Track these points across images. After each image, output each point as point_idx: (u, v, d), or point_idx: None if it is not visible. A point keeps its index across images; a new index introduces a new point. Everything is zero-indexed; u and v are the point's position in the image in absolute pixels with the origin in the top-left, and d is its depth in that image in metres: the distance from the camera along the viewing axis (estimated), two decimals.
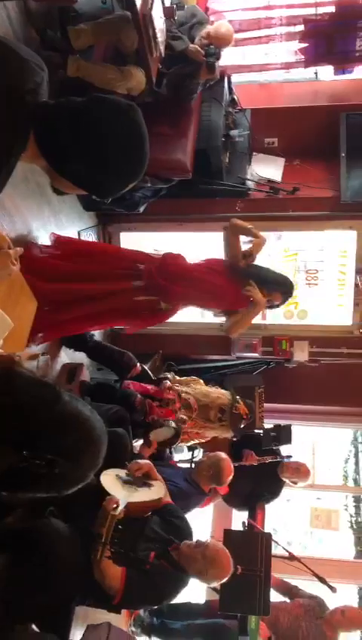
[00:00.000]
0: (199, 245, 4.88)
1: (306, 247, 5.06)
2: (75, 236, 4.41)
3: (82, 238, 4.49)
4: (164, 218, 4.96)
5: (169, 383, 3.87)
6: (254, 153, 5.03)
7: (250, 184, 4.82)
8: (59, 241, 3.48)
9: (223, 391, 3.82)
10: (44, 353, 1.76)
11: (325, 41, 4.68)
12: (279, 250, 5.04)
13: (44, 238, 3.77)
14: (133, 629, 4.26)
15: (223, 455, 3.73)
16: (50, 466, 0.93)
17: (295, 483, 4.47)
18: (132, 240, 5.14)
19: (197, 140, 4.37)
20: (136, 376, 3.94)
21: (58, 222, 4.03)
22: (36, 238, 3.64)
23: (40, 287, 2.69)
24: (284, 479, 4.47)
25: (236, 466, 3.87)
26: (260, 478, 4.48)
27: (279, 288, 3.41)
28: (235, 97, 4.88)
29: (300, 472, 4.39)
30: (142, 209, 4.49)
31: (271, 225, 4.96)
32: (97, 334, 4.58)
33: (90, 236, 4.69)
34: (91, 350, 4.02)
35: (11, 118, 1.10)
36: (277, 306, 3.54)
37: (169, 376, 3.99)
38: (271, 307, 3.55)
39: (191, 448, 4.65)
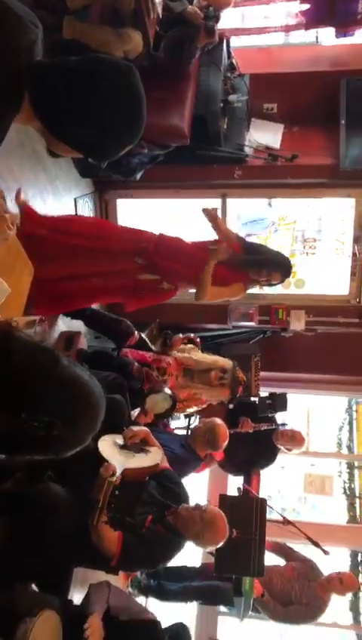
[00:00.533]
0: (196, 213, 4.85)
1: (304, 216, 5.03)
2: (72, 204, 4.37)
3: (79, 205, 4.45)
4: (161, 185, 4.91)
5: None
6: (253, 119, 4.95)
7: (248, 151, 4.75)
8: (60, 220, 3.42)
9: (222, 357, 3.86)
10: (41, 319, 1.76)
11: (326, 4, 4.57)
12: (276, 218, 5.01)
13: (40, 206, 3.73)
14: (131, 590, 4.37)
15: (219, 421, 3.77)
16: (49, 428, 0.94)
17: (289, 450, 4.53)
18: (129, 207, 5.11)
19: (194, 106, 4.29)
20: (135, 345, 3.95)
21: (54, 189, 3.99)
22: (33, 205, 3.61)
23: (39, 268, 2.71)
24: (279, 446, 4.53)
25: (232, 433, 3.92)
26: (255, 444, 4.54)
27: (279, 269, 3.39)
28: (234, 62, 4.78)
29: (295, 439, 4.45)
30: (138, 176, 4.44)
31: (269, 192, 4.93)
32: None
33: (86, 203, 4.65)
34: (89, 318, 4.02)
35: (4, 77, 1.07)
36: (276, 284, 3.52)
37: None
38: (269, 285, 3.53)
39: (187, 415, 4.69)
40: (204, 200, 4.94)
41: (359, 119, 4.60)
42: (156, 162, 4.41)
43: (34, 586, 2.63)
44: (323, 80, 4.82)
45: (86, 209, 4.67)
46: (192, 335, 4.31)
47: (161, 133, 4.14)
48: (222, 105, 4.47)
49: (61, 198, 4.14)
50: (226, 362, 3.71)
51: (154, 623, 2.83)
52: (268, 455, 4.63)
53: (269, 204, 4.99)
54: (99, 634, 2.46)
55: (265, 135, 4.85)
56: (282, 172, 4.70)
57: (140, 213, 5.07)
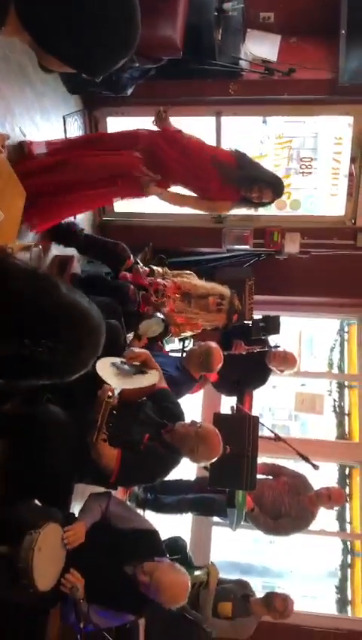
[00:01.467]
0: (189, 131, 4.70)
1: (300, 134, 4.87)
2: (60, 122, 4.21)
3: (68, 123, 4.29)
4: (153, 101, 4.67)
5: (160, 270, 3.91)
6: (248, 29, 4.70)
7: (244, 64, 4.54)
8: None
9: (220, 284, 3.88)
10: (36, 244, 1.73)
11: None
12: (271, 136, 4.86)
13: (27, 125, 3.60)
14: (129, 503, 4.58)
15: (213, 344, 3.82)
16: (52, 353, 0.96)
17: (282, 371, 4.62)
18: (120, 125, 4.92)
19: (187, 15, 4.05)
20: (130, 268, 3.92)
21: (42, 106, 3.83)
22: (20, 124, 3.48)
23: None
24: (272, 367, 4.62)
25: (225, 354, 3.98)
26: (248, 366, 4.63)
27: (270, 186, 3.40)
28: None
29: (287, 360, 4.53)
30: (129, 91, 4.26)
31: (265, 110, 4.77)
32: (87, 227, 4.51)
33: (75, 121, 4.48)
34: (83, 244, 3.97)
35: None
36: (268, 203, 3.50)
37: (160, 269, 4.00)
38: (261, 205, 3.53)
39: (182, 339, 4.75)
40: (198, 118, 4.78)
41: (360, 29, 4.37)
42: (147, 77, 4.23)
43: (37, 502, 2.75)
44: None
45: (75, 127, 4.51)
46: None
47: (152, 46, 3.93)
48: (216, 14, 4.23)
49: (49, 116, 3.98)
50: (224, 289, 3.73)
51: (153, 533, 2.99)
52: (260, 376, 4.73)
53: (264, 122, 4.83)
54: (78, 539, 2.58)
55: (261, 47, 4.63)
56: (279, 87, 4.53)
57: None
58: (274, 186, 3.43)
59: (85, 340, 1.05)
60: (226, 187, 3.38)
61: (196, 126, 4.80)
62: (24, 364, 0.97)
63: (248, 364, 4.61)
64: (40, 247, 1.70)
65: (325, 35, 4.57)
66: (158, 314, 3.63)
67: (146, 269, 3.84)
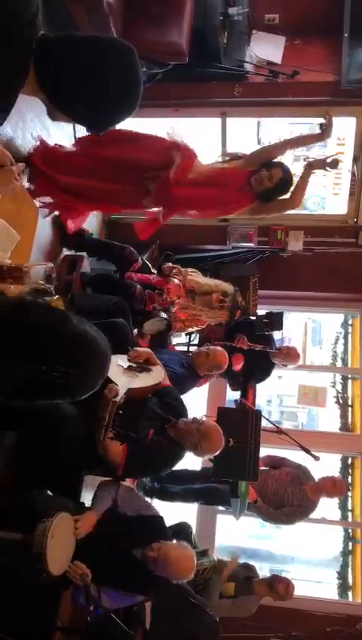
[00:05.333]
0: (196, 132, 4.81)
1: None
2: (70, 125, 4.33)
3: (77, 125, 4.40)
4: (160, 103, 4.82)
5: (170, 264, 4.03)
6: (254, 31, 4.79)
7: (249, 67, 4.64)
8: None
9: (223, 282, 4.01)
10: (48, 265, 1.89)
11: None
12: (275, 137, 4.95)
13: (39, 130, 3.73)
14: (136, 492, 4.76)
15: (220, 349, 3.95)
16: (65, 377, 1.13)
17: (285, 366, 4.76)
18: (128, 127, 5.03)
19: (193, 20, 4.16)
20: (138, 270, 4.07)
21: None
22: (32, 130, 3.62)
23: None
24: (276, 362, 4.76)
25: (229, 346, 4.12)
26: (253, 360, 4.76)
27: (276, 165, 3.39)
28: None
29: (289, 356, 4.66)
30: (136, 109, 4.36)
31: (270, 111, 4.86)
32: (94, 229, 4.65)
33: None
34: (92, 248, 4.12)
35: (11, 52, 1.14)
36: (282, 186, 3.42)
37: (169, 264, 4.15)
38: (277, 191, 3.44)
39: (188, 333, 4.88)
40: (204, 119, 4.89)
41: None
42: (154, 81, 4.34)
43: (49, 492, 2.93)
44: None
45: (84, 130, 4.62)
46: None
47: (159, 51, 4.06)
48: (221, 18, 4.33)
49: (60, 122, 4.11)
50: (228, 286, 3.86)
51: (159, 518, 3.16)
52: (264, 370, 4.86)
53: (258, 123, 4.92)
54: (87, 528, 2.75)
55: (266, 49, 4.72)
56: (283, 89, 4.62)
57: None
58: (280, 164, 3.42)
59: (94, 365, 1.21)
60: (242, 194, 3.43)
61: (202, 127, 4.95)
62: (41, 386, 1.13)
63: (252, 358, 4.75)
64: (52, 265, 1.85)
65: (329, 37, 4.65)
66: (162, 313, 3.76)
67: (159, 277, 3.97)
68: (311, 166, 3.41)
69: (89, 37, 1.26)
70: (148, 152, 3.35)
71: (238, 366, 4.58)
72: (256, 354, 4.71)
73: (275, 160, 3.44)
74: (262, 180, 3.33)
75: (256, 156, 3.44)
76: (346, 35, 4.45)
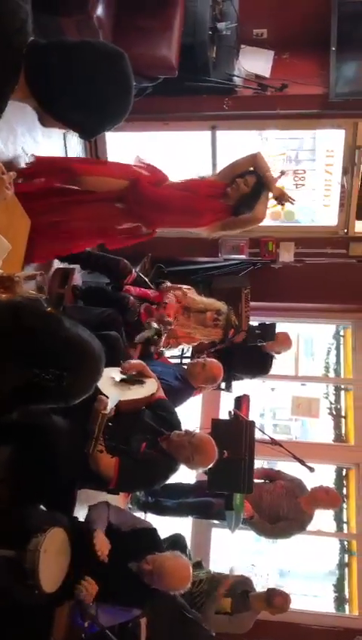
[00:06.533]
0: (186, 145, 4.85)
1: (293, 147, 5.02)
2: (61, 138, 4.35)
3: (67, 140, 4.43)
4: (150, 117, 4.85)
5: (169, 284, 4.04)
6: (242, 46, 4.84)
7: (238, 80, 4.68)
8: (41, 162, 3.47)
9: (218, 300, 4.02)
10: (41, 274, 1.86)
11: None
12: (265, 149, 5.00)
13: (30, 143, 3.74)
14: (130, 506, 4.72)
15: (216, 362, 3.95)
16: (58, 380, 1.11)
17: (279, 353, 4.79)
18: (118, 140, 5.07)
19: (182, 34, 4.19)
20: (133, 282, 4.07)
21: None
22: (22, 143, 3.62)
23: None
24: (271, 353, 4.77)
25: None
26: (248, 360, 4.79)
27: (250, 173, 3.45)
28: None
29: (279, 341, 4.70)
30: (127, 115, 4.38)
31: (259, 124, 4.90)
32: None
33: (75, 137, 4.62)
34: (85, 261, 4.11)
35: (0, 59, 1.14)
36: (257, 191, 3.47)
37: (168, 283, 4.16)
38: (252, 198, 3.48)
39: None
40: (194, 132, 4.92)
41: (350, 46, 4.51)
42: (144, 95, 4.36)
43: (42, 507, 2.89)
44: (315, 2, 4.65)
45: (75, 143, 4.65)
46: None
47: (149, 65, 4.07)
48: (210, 33, 4.37)
49: (50, 134, 4.12)
50: (221, 305, 3.88)
51: (153, 531, 3.13)
52: (261, 364, 4.88)
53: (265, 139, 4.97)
54: (106, 546, 2.74)
55: (254, 63, 4.76)
56: (272, 102, 4.66)
57: (130, 146, 5.04)
58: (253, 171, 3.46)
59: (87, 368, 1.20)
60: (215, 203, 3.46)
61: (192, 140, 4.98)
62: (34, 391, 1.12)
63: (250, 355, 4.76)
64: (44, 275, 1.83)
65: (316, 51, 4.70)
66: (153, 324, 3.75)
67: (157, 292, 3.97)
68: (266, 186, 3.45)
69: (80, 42, 1.26)
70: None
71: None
72: (250, 351, 4.72)
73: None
74: (239, 186, 3.39)
75: (229, 170, 3.54)
76: (333, 48, 4.50)
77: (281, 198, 3.50)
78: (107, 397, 2.72)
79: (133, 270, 4.05)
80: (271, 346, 4.72)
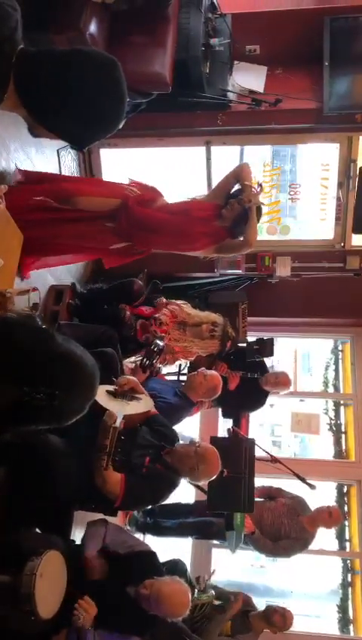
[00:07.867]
0: (180, 161, 4.83)
1: (289, 161, 5.02)
2: (55, 155, 4.34)
3: (61, 156, 4.42)
4: (144, 133, 4.84)
5: (164, 299, 4.00)
6: (235, 62, 4.85)
7: (232, 96, 4.69)
8: (30, 178, 3.46)
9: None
10: (34, 289, 1.81)
11: None
12: (259, 164, 5.00)
13: (23, 160, 3.72)
14: (128, 527, 4.62)
15: (215, 373, 3.90)
16: (50, 399, 1.05)
17: (277, 392, 4.70)
18: (113, 157, 5.07)
19: (175, 50, 4.20)
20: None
21: (36, 141, 3.95)
22: (16, 159, 3.60)
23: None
24: (268, 389, 4.70)
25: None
26: (246, 389, 4.70)
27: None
28: (215, 1, 4.64)
29: (279, 382, 4.61)
30: (121, 124, 4.38)
31: (254, 139, 4.90)
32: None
33: (69, 154, 4.61)
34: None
35: None
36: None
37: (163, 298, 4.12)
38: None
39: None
40: (189, 148, 4.91)
41: (343, 60, 4.54)
42: (138, 111, 4.36)
43: (38, 530, 2.81)
44: (306, 18, 4.69)
45: (69, 159, 4.64)
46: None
47: (142, 81, 4.06)
48: (203, 49, 4.38)
49: (44, 150, 4.11)
50: (217, 317, 3.84)
51: (152, 554, 3.05)
52: (257, 399, 4.79)
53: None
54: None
55: (248, 78, 4.77)
56: (266, 117, 4.66)
57: (125, 163, 5.04)
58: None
59: (81, 386, 1.14)
60: (209, 226, 3.45)
61: (186, 156, 4.97)
62: (24, 411, 1.05)
63: (245, 387, 4.69)
64: (37, 291, 1.79)
65: (310, 66, 4.72)
66: (158, 340, 3.70)
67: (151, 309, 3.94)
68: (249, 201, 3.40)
69: (70, 50, 1.23)
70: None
71: (233, 384, 4.54)
72: (247, 383, 4.65)
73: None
74: (233, 206, 3.38)
75: (220, 188, 3.53)
76: (326, 63, 4.52)
77: (253, 200, 3.42)
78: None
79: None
80: (273, 385, 4.64)
